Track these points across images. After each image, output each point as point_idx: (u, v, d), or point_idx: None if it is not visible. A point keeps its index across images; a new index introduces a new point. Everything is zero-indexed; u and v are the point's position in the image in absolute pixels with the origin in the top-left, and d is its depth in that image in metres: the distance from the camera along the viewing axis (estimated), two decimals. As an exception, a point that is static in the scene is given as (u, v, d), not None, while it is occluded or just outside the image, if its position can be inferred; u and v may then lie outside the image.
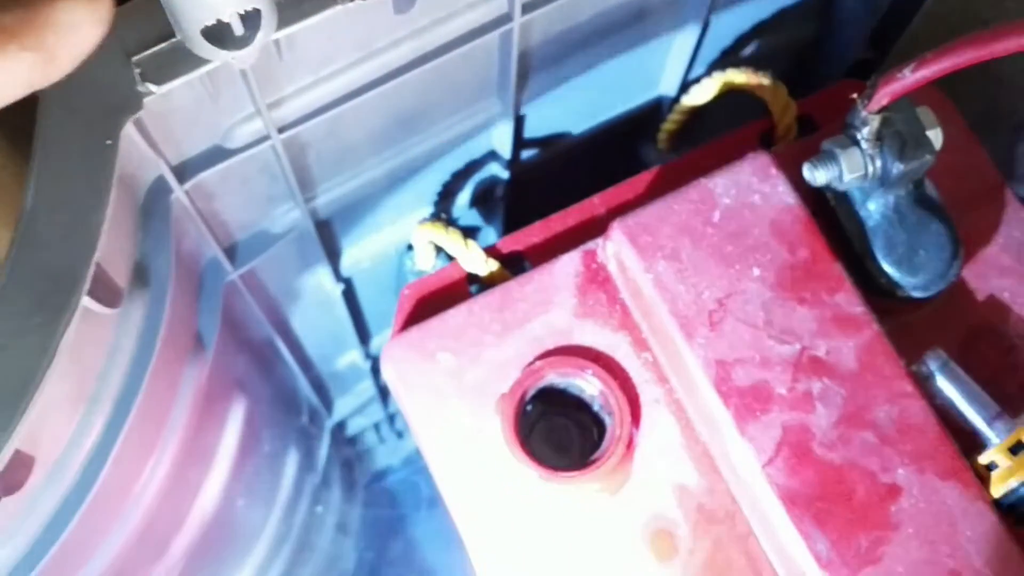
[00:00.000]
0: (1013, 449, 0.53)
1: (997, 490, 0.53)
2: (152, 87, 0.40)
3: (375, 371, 0.98)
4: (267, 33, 0.40)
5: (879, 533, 0.52)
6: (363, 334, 0.89)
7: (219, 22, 0.38)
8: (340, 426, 1.04)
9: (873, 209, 0.58)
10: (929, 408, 0.53)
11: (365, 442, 1.16)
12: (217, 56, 0.39)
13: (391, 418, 1.13)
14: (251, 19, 0.39)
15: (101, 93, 0.39)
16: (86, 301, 0.40)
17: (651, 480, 0.57)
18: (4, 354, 0.37)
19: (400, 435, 1.20)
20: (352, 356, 0.92)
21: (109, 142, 0.39)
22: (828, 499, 0.52)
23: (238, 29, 0.39)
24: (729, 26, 0.73)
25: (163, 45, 0.41)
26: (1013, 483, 0.52)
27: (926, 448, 0.53)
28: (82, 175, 0.39)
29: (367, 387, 1.01)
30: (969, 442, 0.54)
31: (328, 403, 0.96)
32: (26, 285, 0.38)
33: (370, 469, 1.23)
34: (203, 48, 0.39)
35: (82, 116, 0.39)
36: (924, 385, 0.55)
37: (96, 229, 0.39)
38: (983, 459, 0.53)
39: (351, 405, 1.01)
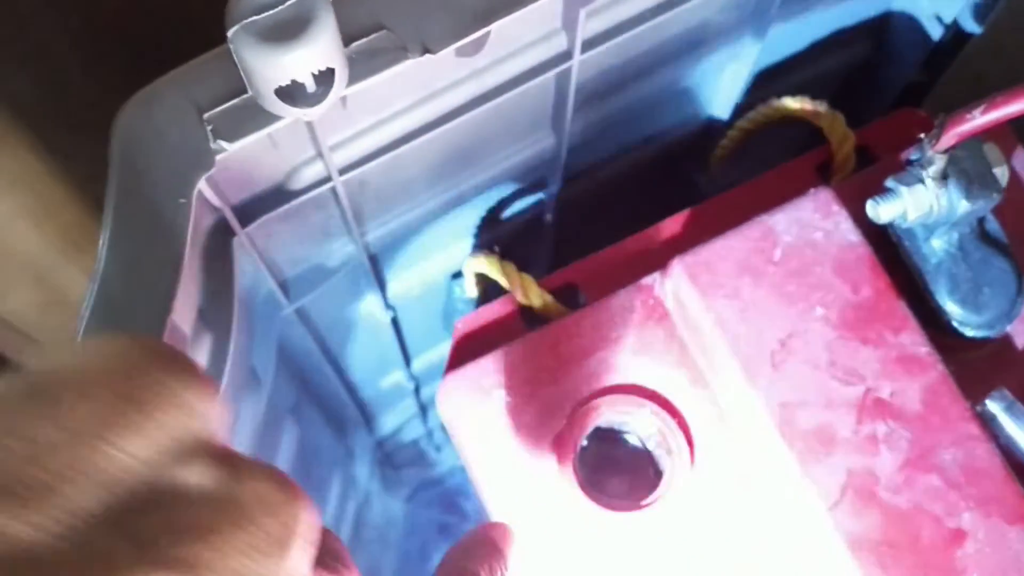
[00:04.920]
0: (1082, 493, 0.52)
1: (1066, 536, 0.52)
2: (225, 144, 0.40)
3: (417, 390, 0.97)
4: (339, 90, 0.39)
5: (945, 579, 0.51)
6: (408, 355, 0.89)
7: (293, 81, 0.38)
8: (380, 443, 1.04)
9: (937, 246, 0.57)
10: (995, 451, 0.53)
11: (405, 457, 1.16)
12: (289, 113, 0.39)
13: (430, 433, 1.13)
14: (324, 77, 0.39)
15: (174, 152, 0.39)
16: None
17: (707, 520, 0.56)
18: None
19: (439, 448, 1.20)
20: (396, 376, 0.92)
21: (183, 200, 0.39)
22: (893, 544, 0.51)
23: (311, 87, 0.39)
24: (782, 49, 0.72)
25: (234, 101, 0.40)
26: (1082, 528, 0.51)
27: (992, 492, 0.52)
28: (156, 236, 0.39)
29: (409, 405, 1.00)
30: (1034, 484, 0.53)
31: (371, 422, 0.96)
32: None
33: (411, 483, 1.23)
34: (276, 106, 0.39)
35: (154, 175, 0.39)
36: (989, 426, 0.54)
37: (171, 290, 0.39)
38: (1051, 503, 0.52)
39: (393, 423, 1.01)
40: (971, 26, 0.70)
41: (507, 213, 0.75)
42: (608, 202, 0.79)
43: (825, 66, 0.76)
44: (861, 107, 0.81)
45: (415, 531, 1.23)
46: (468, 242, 0.75)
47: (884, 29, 0.74)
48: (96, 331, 0.38)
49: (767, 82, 0.76)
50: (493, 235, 0.76)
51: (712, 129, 0.77)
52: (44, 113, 0.67)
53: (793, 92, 0.68)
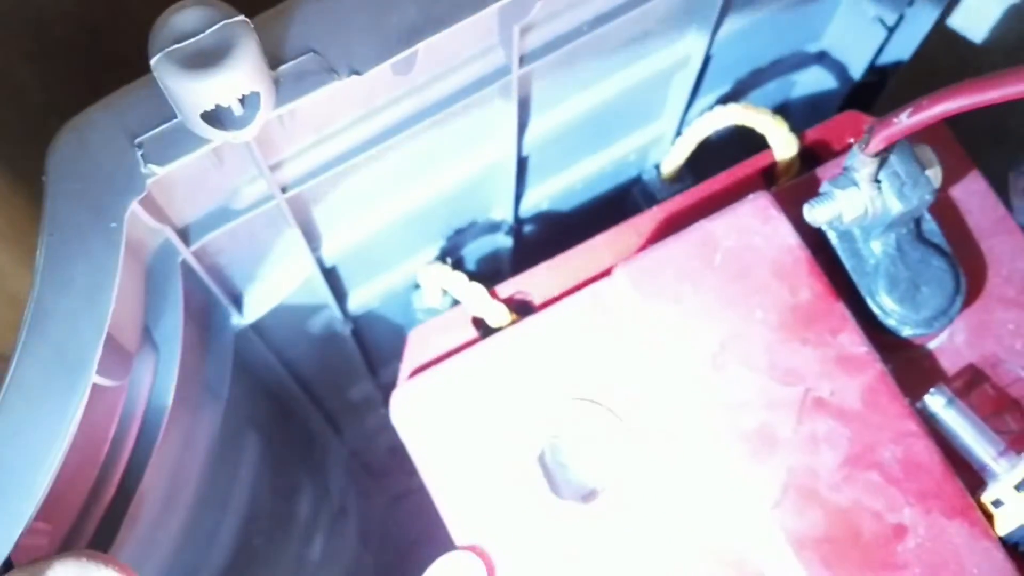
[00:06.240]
0: (1019, 486, 0.53)
1: (1003, 528, 0.53)
2: (155, 168, 0.41)
3: (387, 399, 0.98)
4: (267, 112, 0.40)
5: (887, 574, 0.52)
6: (373, 366, 0.89)
7: (219, 106, 0.39)
8: (354, 453, 1.05)
9: (874, 247, 0.58)
10: (934, 447, 0.54)
11: (384, 465, 1.17)
12: (217, 137, 0.40)
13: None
14: (250, 100, 0.40)
15: (105, 177, 0.40)
16: (96, 379, 0.40)
17: (660, 521, 0.57)
18: (16, 439, 0.38)
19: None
20: (364, 387, 0.92)
21: (114, 224, 0.40)
22: (836, 541, 0.52)
23: (238, 110, 0.40)
24: (730, 58, 0.73)
25: (165, 126, 0.41)
26: (1019, 520, 0.53)
27: (932, 487, 0.53)
28: (89, 258, 0.40)
29: (380, 415, 1.01)
30: (970, 479, 0.54)
31: (341, 433, 0.97)
32: (36, 369, 0.39)
33: (392, 491, 1.23)
34: (204, 130, 0.40)
35: (87, 201, 0.40)
36: (928, 422, 0.55)
37: (104, 309, 0.40)
38: (988, 496, 0.53)
39: (365, 433, 1.01)
40: (917, 30, 0.71)
41: (466, 224, 0.76)
42: (566, 210, 0.80)
43: (773, 72, 0.77)
44: (812, 107, 0.82)
45: (396, 539, 1.23)
46: (429, 252, 0.76)
47: (829, 34, 0.76)
48: (33, 353, 0.39)
49: (718, 90, 0.77)
50: (454, 247, 0.77)
51: (666, 136, 0.78)
52: (12, 136, 0.68)
53: (742, 99, 0.70)
